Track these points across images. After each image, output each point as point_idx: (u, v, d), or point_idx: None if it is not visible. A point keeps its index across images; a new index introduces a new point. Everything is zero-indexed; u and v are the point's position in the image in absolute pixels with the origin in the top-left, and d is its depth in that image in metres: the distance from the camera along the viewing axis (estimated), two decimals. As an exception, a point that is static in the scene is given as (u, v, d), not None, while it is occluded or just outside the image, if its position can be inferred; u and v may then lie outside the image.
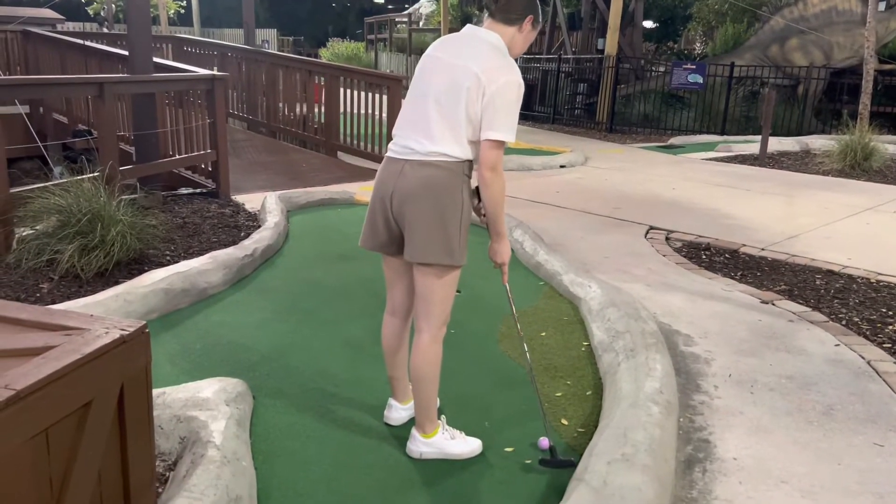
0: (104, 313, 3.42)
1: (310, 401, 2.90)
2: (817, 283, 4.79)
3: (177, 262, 4.49)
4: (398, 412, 2.72)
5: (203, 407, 2.45)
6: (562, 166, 9.36)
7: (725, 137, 12.08)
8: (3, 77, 6.74)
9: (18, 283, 4.02)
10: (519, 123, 12.55)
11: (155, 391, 2.56)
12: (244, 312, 3.83)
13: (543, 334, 3.72)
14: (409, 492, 2.33)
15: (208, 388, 2.61)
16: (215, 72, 6.52)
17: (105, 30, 24.35)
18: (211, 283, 4.03)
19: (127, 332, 1.86)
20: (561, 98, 15.36)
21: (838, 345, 3.71)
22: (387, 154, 2.46)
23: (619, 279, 4.70)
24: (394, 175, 2.37)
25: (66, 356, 1.70)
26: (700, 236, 5.92)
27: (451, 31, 23.29)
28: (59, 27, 23.55)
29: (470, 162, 2.39)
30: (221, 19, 37.00)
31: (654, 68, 15.20)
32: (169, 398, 2.50)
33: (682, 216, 6.64)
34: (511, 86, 2.27)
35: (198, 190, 6.83)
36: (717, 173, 9.07)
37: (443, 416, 2.60)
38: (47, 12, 24.72)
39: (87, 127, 8.55)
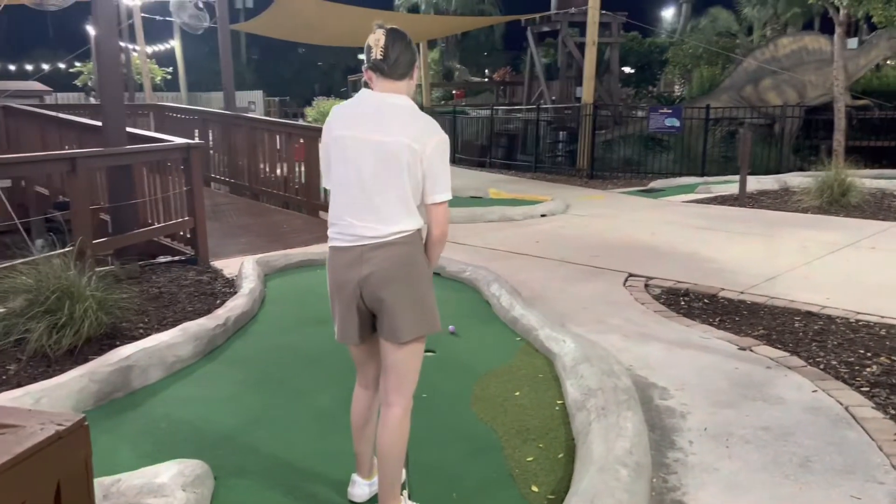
0: (68, 395, 3.36)
1: (274, 478, 2.83)
2: (796, 325, 4.77)
3: (150, 334, 4.44)
4: (362, 488, 2.65)
5: (158, 493, 2.39)
6: (542, 215, 9.40)
7: (705, 179, 12.18)
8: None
9: (-16, 366, 3.96)
10: (502, 173, 12.57)
11: (110, 478, 2.50)
12: (213, 386, 3.77)
13: (517, 394, 3.67)
14: (370, 574, 2.26)
15: (165, 472, 2.54)
16: (191, 140, 6.56)
17: (92, 100, 24.64)
18: (180, 356, 3.98)
19: (63, 427, 1.81)
20: (542, 147, 15.52)
21: (816, 391, 3.67)
22: (332, 244, 2.38)
23: (595, 330, 4.67)
24: (354, 263, 2.31)
25: (-5, 458, 1.66)
26: (679, 282, 5.91)
27: (433, 85, 23.66)
28: (46, 99, 23.85)
29: (421, 228, 2.38)
30: (208, 83, 37.53)
31: (632, 113, 15.42)
32: (124, 485, 2.44)
33: (662, 261, 6.64)
34: (441, 145, 2.31)
35: (176, 257, 6.81)
36: (696, 215, 9.12)
37: (405, 492, 2.53)
38: (35, 85, 25.02)
39: (68, 199, 8.57)
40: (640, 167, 13.79)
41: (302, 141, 9.33)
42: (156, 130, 10.98)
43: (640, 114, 15.07)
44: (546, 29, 17.21)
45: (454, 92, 25.84)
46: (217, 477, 2.79)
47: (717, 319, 5.00)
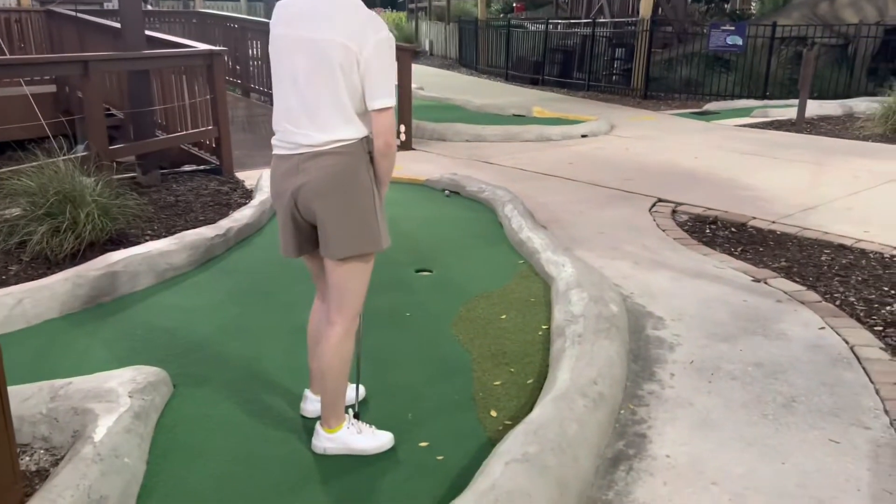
0: (51, 296, 3.40)
1: (234, 390, 2.81)
2: (822, 259, 4.47)
3: (154, 241, 4.46)
4: (313, 404, 2.59)
5: (102, 399, 2.39)
6: (583, 136, 9.03)
7: (765, 102, 11.46)
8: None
9: (-13, 266, 4.05)
10: (554, 91, 12.15)
11: (61, 381, 2.52)
12: (200, 295, 3.77)
13: (504, 317, 3.54)
14: (303, 490, 2.23)
15: (117, 378, 2.54)
16: (213, 47, 6.44)
17: (149, 7, 24.66)
18: (172, 263, 3.98)
19: (-34, 329, 1.79)
20: (598, 65, 14.83)
21: (823, 328, 3.43)
22: (274, 151, 2.26)
23: (605, 256, 4.48)
24: (290, 173, 2.19)
25: None
26: (709, 209, 5.61)
27: (490, -3, 22.72)
28: (105, 6, 24.04)
29: (367, 137, 2.20)
30: (268, -7, 36.97)
31: (697, 30, 14.51)
32: (72, 389, 2.45)
33: (697, 187, 6.31)
34: (382, 44, 2.08)
35: (201, 167, 6.81)
36: (746, 140, 8.61)
37: (350, 410, 2.47)
38: (95, -8, 25.20)
39: (108, 106, 8.62)
40: (699, 88, 13.06)
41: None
42: (199, 38, 10.87)
43: (704, 31, 14.15)
44: (610, -64, 16.19)
45: (515, 5, 24.82)
46: (176, 385, 2.79)
47: (739, 249, 4.73)
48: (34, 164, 4.50)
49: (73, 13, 8.38)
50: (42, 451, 2.28)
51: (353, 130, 2.16)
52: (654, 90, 13.33)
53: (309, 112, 2.14)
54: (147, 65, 5.80)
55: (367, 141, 2.21)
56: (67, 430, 2.31)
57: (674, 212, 5.65)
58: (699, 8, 21.04)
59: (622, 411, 2.69)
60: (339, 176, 2.15)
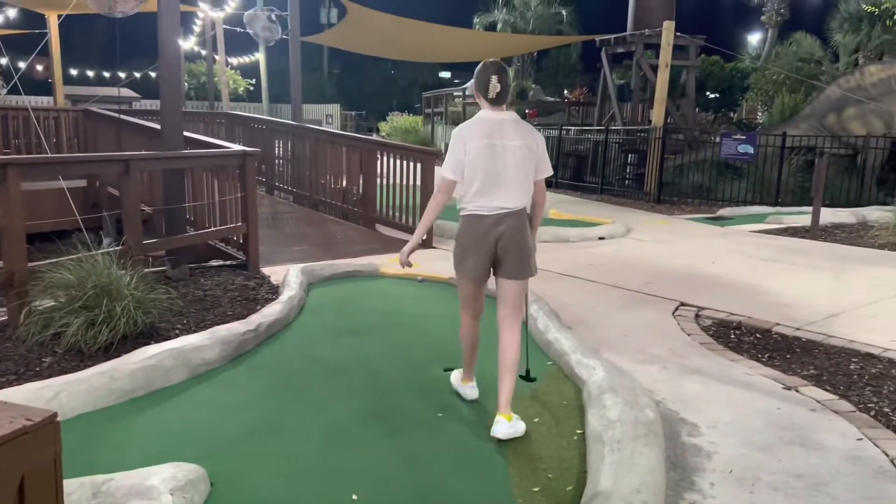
0: (87, 390, 3.42)
1: (270, 488, 2.79)
2: (851, 367, 4.45)
3: (186, 335, 4.50)
4: (475, 390, 3.74)
5: (145, 496, 2.38)
6: (600, 238, 9.17)
7: (778, 209, 11.67)
8: (25, 157, 7.07)
9: (22, 357, 4.09)
10: (568, 194, 12.81)
11: (102, 477, 2.51)
12: (233, 391, 3.77)
13: (537, 420, 3.53)
14: None
15: (158, 474, 2.53)
16: (247, 148, 6.68)
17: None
18: (205, 359, 4.01)
19: (30, 423, 1.81)
20: (611, 169, 15.22)
21: (861, 439, 3.39)
22: (474, 212, 3.31)
23: (633, 360, 4.48)
24: (492, 225, 3.29)
25: (-45, 448, 1.66)
26: (732, 314, 5.63)
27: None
28: (134, 105, 25.00)
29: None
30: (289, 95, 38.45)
31: (706, 138, 14.95)
32: (115, 485, 2.44)
33: (718, 292, 6.35)
34: (539, 140, 3.39)
35: (228, 262, 6.93)
36: (763, 246, 8.72)
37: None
38: (125, 91, 26.27)
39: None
40: (710, 194, 13.33)
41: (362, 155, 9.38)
42: (226, 138, 11.29)
43: (715, 139, 14.59)
44: (621, 50, 16.90)
45: (527, 111, 25.67)
46: (213, 483, 2.76)
47: (766, 356, 4.72)
48: (73, 257, 4.61)
49: (116, 114, 8.73)
50: (83, 550, 2.25)
51: (528, 199, 3.39)
52: (667, 195, 13.60)
53: (510, 190, 3.29)
54: (184, 164, 6.03)
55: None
56: (109, 527, 2.29)
57: (697, 316, 5.67)
58: (707, 117, 21.78)
59: (665, 522, 2.64)
60: (524, 227, 3.35)
